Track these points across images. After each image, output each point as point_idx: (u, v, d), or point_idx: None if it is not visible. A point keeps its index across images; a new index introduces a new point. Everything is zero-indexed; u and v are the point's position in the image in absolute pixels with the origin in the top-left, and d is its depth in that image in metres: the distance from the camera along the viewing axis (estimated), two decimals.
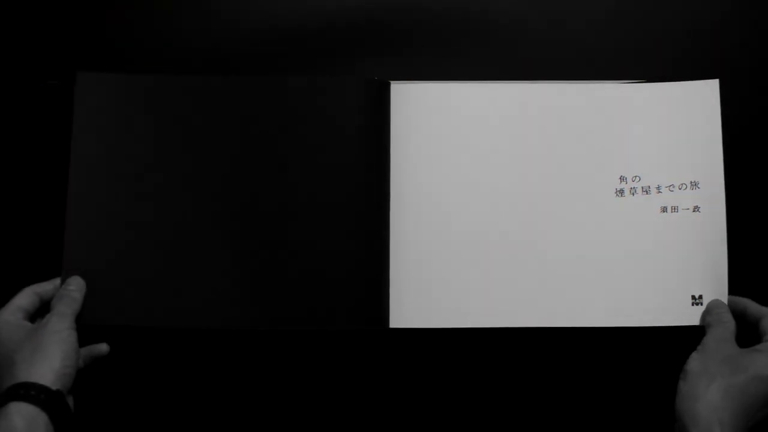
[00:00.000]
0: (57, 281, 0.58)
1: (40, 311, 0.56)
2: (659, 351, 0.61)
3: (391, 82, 0.61)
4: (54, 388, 0.50)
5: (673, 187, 0.61)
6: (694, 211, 0.60)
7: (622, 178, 0.61)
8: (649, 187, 0.61)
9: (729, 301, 0.59)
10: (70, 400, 0.53)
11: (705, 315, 0.58)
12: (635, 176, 0.61)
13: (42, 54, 0.65)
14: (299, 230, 0.59)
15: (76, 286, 0.57)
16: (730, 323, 0.56)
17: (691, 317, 0.59)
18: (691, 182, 0.60)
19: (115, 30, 0.65)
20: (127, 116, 0.60)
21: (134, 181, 0.60)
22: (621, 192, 0.61)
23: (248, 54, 0.65)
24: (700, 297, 0.59)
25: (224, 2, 0.65)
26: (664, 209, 0.61)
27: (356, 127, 0.59)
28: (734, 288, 0.59)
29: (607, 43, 0.65)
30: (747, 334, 0.57)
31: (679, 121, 0.61)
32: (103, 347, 0.58)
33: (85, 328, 0.57)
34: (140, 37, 0.65)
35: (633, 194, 0.61)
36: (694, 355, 0.54)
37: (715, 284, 0.59)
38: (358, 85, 0.60)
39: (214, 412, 0.62)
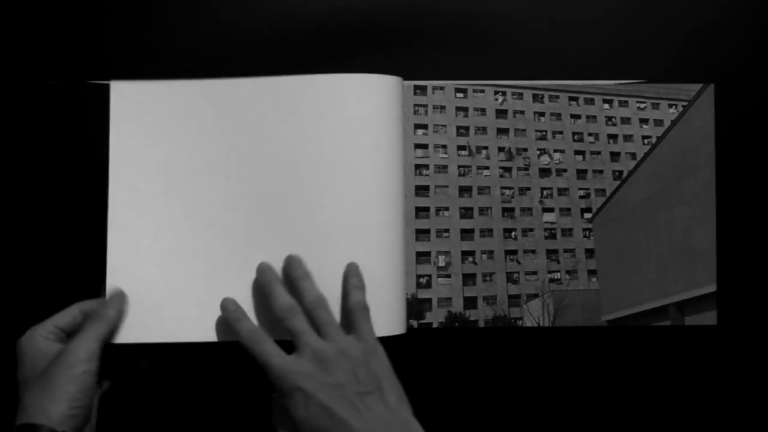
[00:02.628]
0: (103, 301, 0.54)
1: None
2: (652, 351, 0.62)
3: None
4: (60, 430, 0.48)
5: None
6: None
7: None
8: None
9: None
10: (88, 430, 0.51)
11: None
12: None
13: (42, 54, 0.65)
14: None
15: (111, 305, 0.53)
16: None
17: None
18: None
19: (117, 32, 0.65)
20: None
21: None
22: None
23: (249, 55, 0.65)
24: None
25: (226, 3, 0.65)
26: None
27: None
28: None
29: (608, 41, 0.65)
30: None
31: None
32: (141, 365, 0.57)
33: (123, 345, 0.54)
34: (143, 38, 0.65)
35: None
36: None
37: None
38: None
39: (226, 419, 0.62)
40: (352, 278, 0.54)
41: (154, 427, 0.63)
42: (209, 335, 0.55)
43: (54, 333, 0.52)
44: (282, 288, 0.52)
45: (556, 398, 0.63)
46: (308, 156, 0.58)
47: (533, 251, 0.63)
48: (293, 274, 0.53)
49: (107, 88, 0.59)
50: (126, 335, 0.54)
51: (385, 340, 0.61)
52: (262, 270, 0.54)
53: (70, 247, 0.62)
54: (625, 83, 0.62)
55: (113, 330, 0.53)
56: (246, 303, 0.55)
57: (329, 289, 0.54)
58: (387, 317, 0.56)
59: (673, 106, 0.63)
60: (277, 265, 0.55)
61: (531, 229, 0.63)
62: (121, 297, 0.54)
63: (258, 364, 0.50)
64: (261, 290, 0.53)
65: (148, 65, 0.65)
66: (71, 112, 0.63)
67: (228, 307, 0.53)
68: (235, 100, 0.59)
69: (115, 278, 0.55)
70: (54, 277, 0.62)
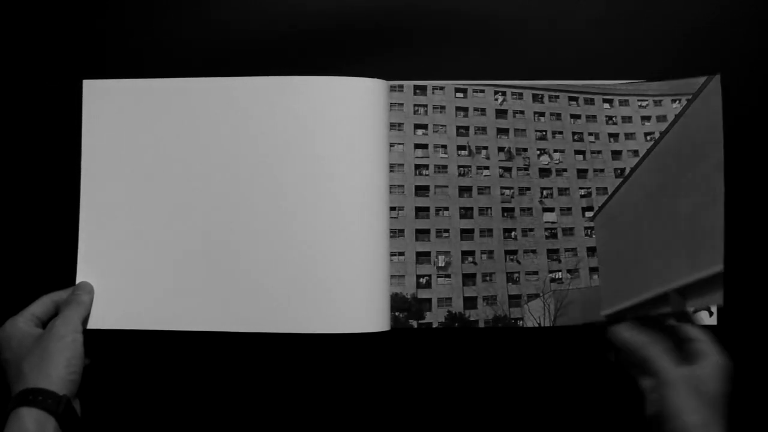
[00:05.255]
0: (72, 290, 0.60)
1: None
2: None
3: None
4: (60, 393, 0.52)
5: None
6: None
7: None
8: None
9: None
10: (77, 404, 0.55)
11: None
12: None
13: (44, 56, 0.65)
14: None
15: (83, 291, 0.59)
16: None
17: None
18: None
19: (116, 32, 0.65)
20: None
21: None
22: None
23: (247, 55, 0.65)
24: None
25: (223, 3, 0.65)
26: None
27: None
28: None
29: (608, 41, 0.64)
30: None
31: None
32: (85, 360, 0.59)
33: (96, 332, 0.59)
34: (141, 38, 0.65)
35: None
36: (692, 406, 0.52)
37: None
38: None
39: (216, 413, 0.63)
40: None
41: (139, 419, 0.63)
42: (176, 324, 0.58)
43: (33, 320, 0.57)
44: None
45: (555, 398, 0.63)
46: (288, 155, 0.60)
47: (533, 251, 0.63)
48: None
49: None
50: (95, 322, 0.59)
51: (382, 339, 0.62)
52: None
53: (40, 242, 0.64)
54: (625, 83, 0.62)
55: (88, 313, 0.59)
56: (217, 294, 0.58)
57: (304, 280, 0.57)
58: (370, 314, 0.56)
59: (677, 101, 0.62)
60: (247, 261, 0.58)
61: (531, 229, 0.63)
62: (89, 286, 0.60)
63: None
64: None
65: (149, 66, 0.65)
66: (69, 112, 0.63)
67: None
68: (214, 100, 0.60)
69: (85, 271, 0.60)
70: (25, 271, 0.64)
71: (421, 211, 0.63)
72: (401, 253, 0.62)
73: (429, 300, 0.62)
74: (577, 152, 0.63)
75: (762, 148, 0.64)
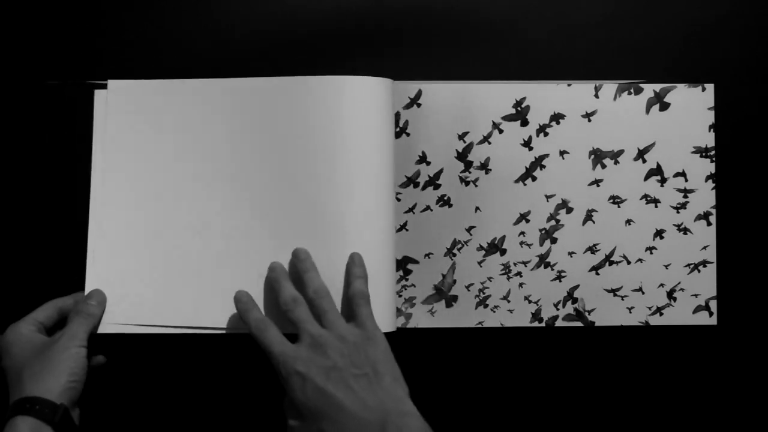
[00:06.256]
0: (78, 295, 0.59)
1: (60, 324, 0.58)
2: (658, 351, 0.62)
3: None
4: (59, 402, 0.51)
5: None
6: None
7: None
8: None
9: None
10: (76, 412, 0.54)
11: None
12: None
13: (42, 54, 0.64)
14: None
15: (96, 301, 0.58)
16: None
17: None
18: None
19: (116, 31, 0.64)
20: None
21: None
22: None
23: (248, 54, 0.64)
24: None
25: (224, 4, 0.65)
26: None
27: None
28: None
29: (603, 47, 0.64)
30: None
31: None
32: (100, 358, 0.59)
33: (104, 335, 0.58)
34: (141, 39, 0.64)
35: None
36: None
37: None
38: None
39: (215, 415, 0.63)
40: (354, 268, 0.57)
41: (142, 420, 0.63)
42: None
43: (35, 326, 0.56)
44: (288, 282, 0.56)
45: (554, 399, 0.63)
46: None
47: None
48: (299, 266, 0.57)
49: (94, 88, 0.61)
50: (105, 327, 0.58)
51: (388, 341, 0.61)
52: (273, 268, 0.57)
53: (49, 245, 0.63)
54: (625, 83, 0.62)
55: (96, 325, 0.58)
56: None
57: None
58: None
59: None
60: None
61: None
62: (101, 296, 0.59)
63: (263, 352, 0.53)
64: (271, 286, 0.56)
65: (146, 65, 0.64)
66: (70, 112, 0.63)
67: (240, 299, 0.56)
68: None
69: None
70: (31, 275, 0.63)
71: None
72: None
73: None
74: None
75: (757, 152, 0.64)
